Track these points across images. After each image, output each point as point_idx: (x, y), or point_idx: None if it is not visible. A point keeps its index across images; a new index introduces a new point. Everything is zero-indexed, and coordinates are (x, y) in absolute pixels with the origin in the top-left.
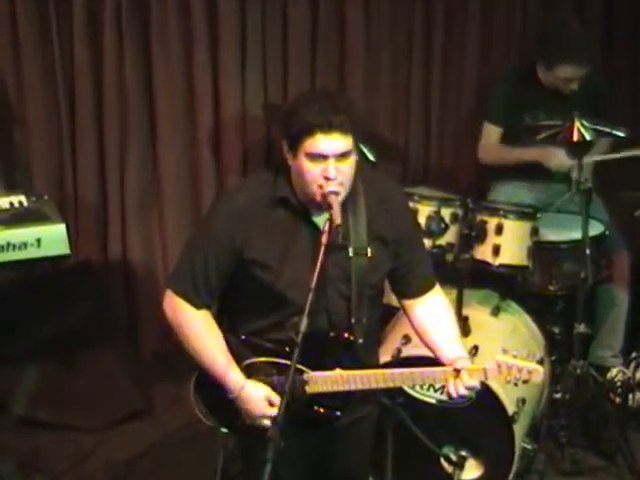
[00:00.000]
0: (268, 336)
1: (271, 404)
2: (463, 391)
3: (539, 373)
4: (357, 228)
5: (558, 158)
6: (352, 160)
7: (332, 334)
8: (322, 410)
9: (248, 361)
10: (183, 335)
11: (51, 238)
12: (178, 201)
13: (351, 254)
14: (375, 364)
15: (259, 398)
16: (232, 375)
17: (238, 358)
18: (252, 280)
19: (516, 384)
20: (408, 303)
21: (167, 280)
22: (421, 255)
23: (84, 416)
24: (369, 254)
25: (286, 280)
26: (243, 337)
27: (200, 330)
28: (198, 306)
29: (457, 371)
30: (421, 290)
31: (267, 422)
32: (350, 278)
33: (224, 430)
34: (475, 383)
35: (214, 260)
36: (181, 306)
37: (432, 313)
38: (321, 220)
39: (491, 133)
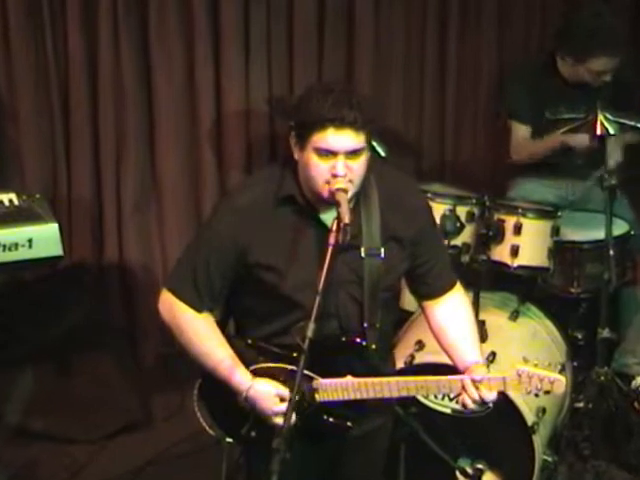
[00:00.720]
0: (276, 341)
1: (282, 400)
2: (480, 402)
3: (561, 384)
4: (370, 227)
5: (580, 135)
6: (363, 158)
7: (343, 339)
8: (332, 420)
9: (254, 366)
10: (184, 339)
11: (43, 238)
12: (178, 201)
13: (363, 255)
14: (390, 372)
15: (269, 395)
16: (239, 376)
17: (244, 363)
18: (258, 283)
19: (537, 395)
20: (427, 304)
21: (166, 281)
22: (440, 253)
23: (79, 427)
24: (382, 255)
25: (293, 282)
26: (249, 341)
27: (202, 333)
28: (200, 310)
29: (474, 381)
30: (441, 290)
31: (280, 420)
32: (362, 280)
33: (229, 440)
34: (493, 394)
35: (217, 263)
36: (181, 309)
37: (451, 315)
38: (329, 218)
39: (520, 132)
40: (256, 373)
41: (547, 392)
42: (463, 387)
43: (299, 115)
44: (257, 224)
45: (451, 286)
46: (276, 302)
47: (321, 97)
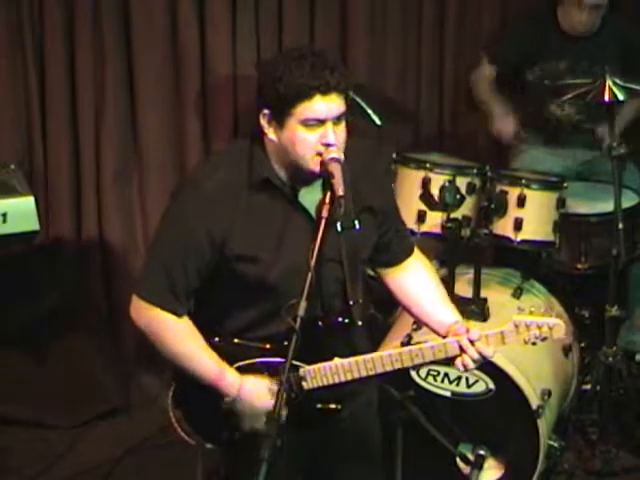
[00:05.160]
0: (253, 334)
1: (274, 394)
2: (481, 360)
3: (561, 328)
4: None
5: (499, 123)
6: (344, 123)
7: (329, 319)
8: (321, 406)
9: (235, 365)
10: (165, 345)
11: (18, 212)
12: (161, 171)
13: (339, 229)
14: (370, 349)
15: (262, 390)
16: (228, 378)
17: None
18: (238, 275)
19: (534, 343)
20: (387, 272)
21: (136, 288)
22: (399, 217)
23: (55, 413)
24: (358, 227)
25: (279, 271)
26: (217, 339)
27: (185, 338)
28: (180, 315)
29: (472, 341)
30: (402, 255)
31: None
32: (341, 256)
33: (209, 446)
34: (492, 350)
35: (193, 262)
36: (160, 316)
37: (416, 279)
38: (308, 200)
39: (485, 71)
40: (239, 371)
41: (545, 339)
42: (461, 348)
43: (274, 91)
44: (230, 213)
45: (411, 250)
46: (257, 293)
47: (295, 65)
